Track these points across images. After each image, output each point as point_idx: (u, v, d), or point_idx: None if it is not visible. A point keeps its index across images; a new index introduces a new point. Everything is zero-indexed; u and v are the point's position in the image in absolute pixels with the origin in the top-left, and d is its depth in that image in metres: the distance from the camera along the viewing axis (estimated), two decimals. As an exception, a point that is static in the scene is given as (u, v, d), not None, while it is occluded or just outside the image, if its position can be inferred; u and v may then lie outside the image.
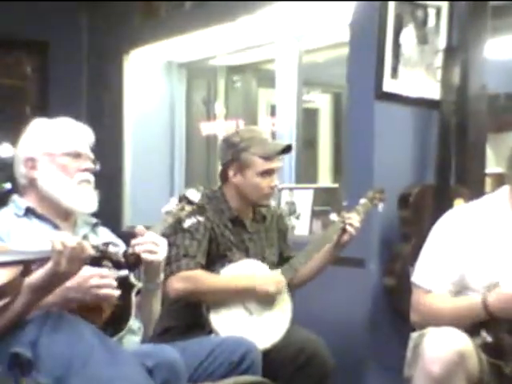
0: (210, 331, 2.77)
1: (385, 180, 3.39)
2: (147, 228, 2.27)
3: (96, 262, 2.08)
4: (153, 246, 2.21)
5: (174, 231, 2.66)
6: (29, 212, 2.38)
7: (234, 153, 2.96)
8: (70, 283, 2.09)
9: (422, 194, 3.47)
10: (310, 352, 2.87)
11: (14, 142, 2.53)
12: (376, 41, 3.47)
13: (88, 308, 2.14)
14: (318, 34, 4.38)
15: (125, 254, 2.10)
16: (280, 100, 4.60)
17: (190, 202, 2.39)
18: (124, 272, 2.21)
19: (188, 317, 2.89)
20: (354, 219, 2.97)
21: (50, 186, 2.38)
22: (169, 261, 2.40)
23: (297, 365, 2.86)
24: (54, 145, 2.39)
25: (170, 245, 2.32)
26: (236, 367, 2.31)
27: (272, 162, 2.96)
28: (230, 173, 2.98)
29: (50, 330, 1.86)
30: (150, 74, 5.22)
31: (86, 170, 2.42)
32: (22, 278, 1.99)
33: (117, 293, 2.16)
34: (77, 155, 2.41)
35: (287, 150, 3.04)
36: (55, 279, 2.02)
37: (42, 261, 2.03)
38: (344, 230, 2.97)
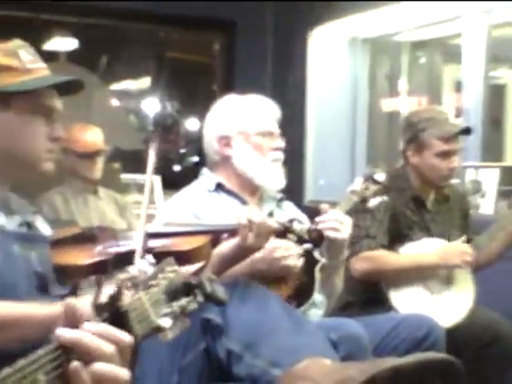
0: (390, 308, 2.78)
1: None
2: (332, 205, 2.31)
3: (280, 236, 2.15)
4: (337, 224, 2.25)
5: (357, 211, 2.69)
6: (218, 187, 2.49)
7: (412, 133, 2.95)
8: (255, 254, 2.17)
9: None
10: (494, 332, 2.82)
11: (200, 116, 2.64)
12: None
13: (273, 281, 2.21)
14: (509, 6, 4.21)
15: (308, 230, 2.15)
16: (466, 76, 4.48)
17: (375, 182, 2.40)
18: (307, 246, 2.26)
19: (367, 293, 2.91)
20: None
21: (244, 165, 2.46)
22: (351, 241, 2.44)
23: (480, 345, 2.81)
24: (249, 124, 2.47)
25: (352, 225, 2.35)
26: (419, 344, 2.31)
27: (450, 144, 2.91)
28: (409, 153, 2.97)
29: (238, 298, 1.93)
30: (333, 51, 5.24)
31: (277, 148, 2.49)
32: (211, 248, 2.09)
33: (300, 263, 2.23)
34: (269, 134, 2.48)
35: (466, 131, 2.97)
36: (241, 252, 2.11)
37: (230, 233, 2.13)
38: None
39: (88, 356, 1.03)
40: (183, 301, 1.22)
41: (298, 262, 2.22)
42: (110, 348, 1.05)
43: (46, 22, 5.28)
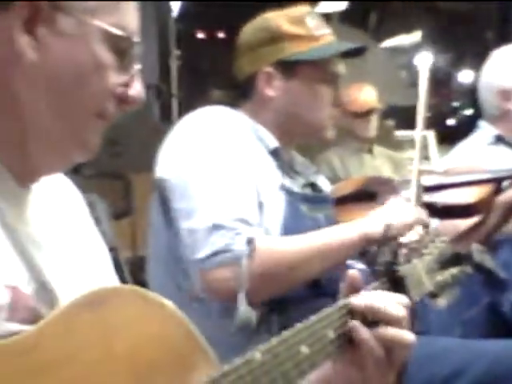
0: None
1: None
2: None
3: None
4: None
5: None
6: (498, 140, 2.43)
7: None
8: None
9: None
10: None
11: (474, 68, 2.58)
12: None
13: None
14: None
15: None
16: None
17: None
18: None
19: None
20: None
21: None
22: None
23: None
24: None
25: None
26: None
27: None
28: None
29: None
30: None
31: None
32: (494, 196, 2.03)
33: None
34: None
35: None
36: None
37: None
38: None
39: (380, 320, 1.08)
40: (453, 270, 1.26)
41: None
42: (401, 312, 1.08)
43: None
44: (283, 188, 1.73)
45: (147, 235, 1.78)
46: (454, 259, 1.29)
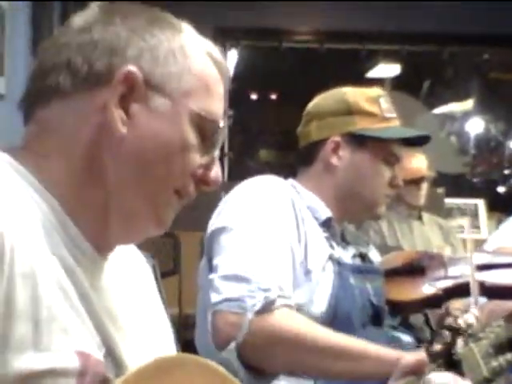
0: None
1: None
2: None
3: None
4: None
5: None
6: None
7: None
8: None
9: None
10: None
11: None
12: None
13: None
14: None
15: None
16: None
17: None
18: None
19: None
20: None
21: None
22: None
23: None
24: None
25: None
26: None
27: None
28: None
29: None
30: None
31: None
32: None
33: None
34: None
35: None
36: None
37: None
38: None
39: None
40: (508, 355, 1.25)
41: None
42: None
43: (371, 51, 5.49)
44: (332, 258, 1.74)
45: (193, 293, 1.78)
46: (509, 344, 1.27)
